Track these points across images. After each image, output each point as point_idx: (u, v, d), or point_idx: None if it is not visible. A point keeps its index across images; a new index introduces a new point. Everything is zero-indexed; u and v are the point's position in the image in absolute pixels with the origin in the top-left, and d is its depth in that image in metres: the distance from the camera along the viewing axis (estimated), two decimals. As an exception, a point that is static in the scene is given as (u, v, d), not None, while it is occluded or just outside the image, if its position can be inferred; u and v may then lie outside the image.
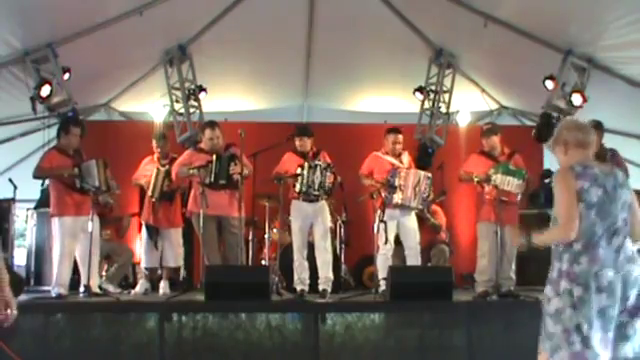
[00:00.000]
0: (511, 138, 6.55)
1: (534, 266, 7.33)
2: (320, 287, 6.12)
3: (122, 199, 7.21)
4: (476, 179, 6.20)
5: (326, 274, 6.15)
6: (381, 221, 5.90)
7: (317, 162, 6.24)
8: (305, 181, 6.09)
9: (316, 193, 6.14)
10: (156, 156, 6.74)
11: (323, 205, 6.28)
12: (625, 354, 2.88)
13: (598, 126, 6.29)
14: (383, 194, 6.07)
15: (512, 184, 6.04)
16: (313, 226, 6.28)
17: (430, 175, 6.27)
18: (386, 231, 6.00)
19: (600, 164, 3.08)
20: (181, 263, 6.69)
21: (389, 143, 6.41)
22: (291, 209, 6.34)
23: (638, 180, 7.25)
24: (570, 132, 3.08)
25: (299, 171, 6.12)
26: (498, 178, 6.04)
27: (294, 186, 6.18)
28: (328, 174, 6.14)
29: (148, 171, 6.65)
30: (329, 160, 6.40)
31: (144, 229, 6.66)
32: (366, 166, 6.47)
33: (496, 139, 6.38)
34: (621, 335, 2.88)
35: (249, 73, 8.70)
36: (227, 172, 6.16)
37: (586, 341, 2.80)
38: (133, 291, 6.60)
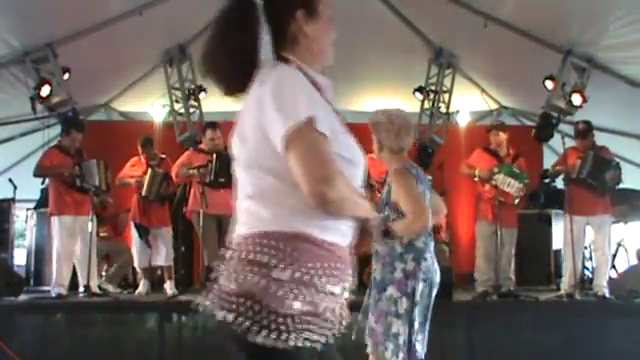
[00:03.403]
0: (511, 138, 6.55)
1: (534, 266, 7.35)
2: None
3: (118, 197, 7.20)
4: (476, 177, 6.20)
5: None
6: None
7: None
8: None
9: None
10: (143, 157, 6.72)
11: None
12: None
13: (587, 126, 6.32)
14: (378, 195, 6.06)
15: (513, 186, 6.05)
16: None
17: (430, 177, 6.27)
18: None
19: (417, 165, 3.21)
20: (171, 262, 6.66)
21: None
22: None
23: (638, 180, 7.27)
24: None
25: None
26: (500, 178, 6.05)
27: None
28: None
29: (135, 171, 6.63)
30: None
31: (133, 229, 6.64)
32: None
33: (504, 136, 6.38)
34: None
35: (249, 73, 8.69)
36: (228, 170, 6.15)
37: (422, 335, 3.00)
38: (137, 291, 6.59)
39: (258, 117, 1.52)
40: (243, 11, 1.58)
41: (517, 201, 6.23)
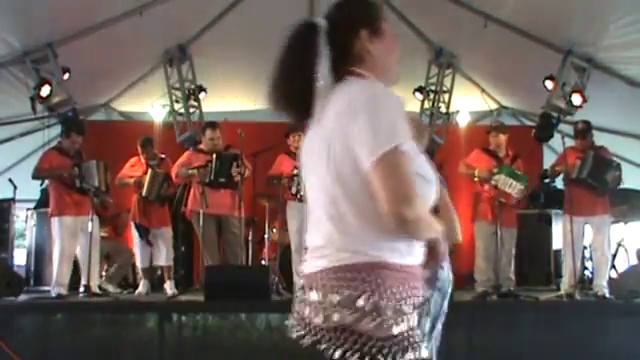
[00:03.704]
0: (511, 138, 6.56)
1: (534, 266, 7.35)
2: None
3: (118, 197, 7.20)
4: (476, 176, 6.19)
5: None
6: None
7: None
8: (302, 186, 6.09)
9: None
10: (143, 157, 6.71)
11: None
12: None
13: (587, 126, 6.32)
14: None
15: (515, 187, 6.04)
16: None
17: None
18: None
19: None
20: (172, 262, 6.67)
21: None
22: (287, 210, 6.34)
23: (638, 180, 7.27)
24: None
25: (296, 172, 6.13)
26: (501, 179, 6.04)
27: (290, 187, 6.17)
28: None
29: (135, 171, 6.62)
30: None
31: (134, 229, 6.63)
32: None
33: (503, 138, 6.37)
34: None
35: (249, 73, 8.68)
36: (228, 171, 6.16)
37: (428, 345, 2.84)
38: (137, 291, 6.59)
39: (343, 128, 1.53)
40: (308, 37, 1.62)
41: (516, 202, 6.23)
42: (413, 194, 1.47)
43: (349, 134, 1.51)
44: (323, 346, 1.51)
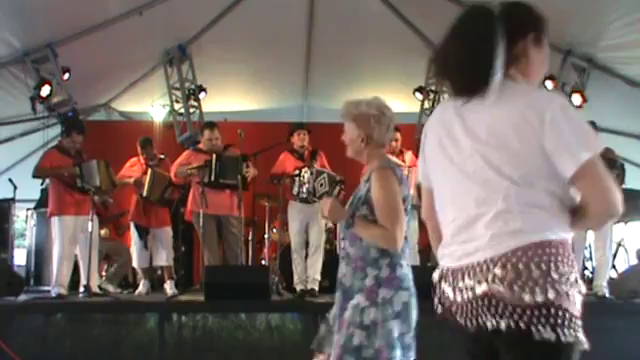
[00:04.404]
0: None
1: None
2: (309, 286, 6.15)
3: (119, 197, 7.20)
4: None
5: (314, 275, 6.17)
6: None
7: (327, 171, 6.21)
8: (306, 188, 6.07)
9: (315, 200, 6.13)
10: (142, 158, 6.70)
11: (319, 205, 6.30)
12: None
13: (592, 126, 6.31)
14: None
15: None
16: (309, 226, 6.29)
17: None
18: None
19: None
20: (172, 262, 6.66)
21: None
22: (288, 210, 6.33)
23: (638, 180, 7.26)
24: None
25: (297, 172, 6.12)
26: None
27: (291, 188, 6.16)
28: (337, 189, 6.07)
29: (134, 172, 6.61)
30: (325, 161, 6.42)
31: (133, 229, 6.62)
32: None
33: None
34: None
35: (249, 73, 8.71)
36: (234, 172, 6.12)
37: (407, 351, 2.55)
38: (137, 291, 6.59)
39: (532, 136, 1.63)
40: (483, 22, 1.70)
41: None
42: (617, 190, 1.65)
43: (542, 140, 1.61)
44: (547, 329, 1.59)
